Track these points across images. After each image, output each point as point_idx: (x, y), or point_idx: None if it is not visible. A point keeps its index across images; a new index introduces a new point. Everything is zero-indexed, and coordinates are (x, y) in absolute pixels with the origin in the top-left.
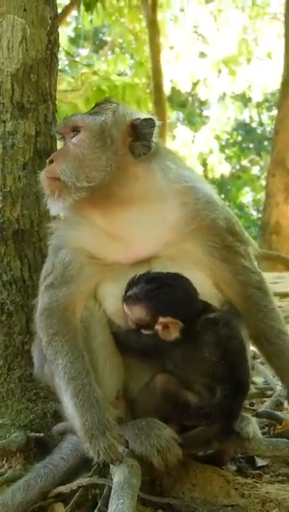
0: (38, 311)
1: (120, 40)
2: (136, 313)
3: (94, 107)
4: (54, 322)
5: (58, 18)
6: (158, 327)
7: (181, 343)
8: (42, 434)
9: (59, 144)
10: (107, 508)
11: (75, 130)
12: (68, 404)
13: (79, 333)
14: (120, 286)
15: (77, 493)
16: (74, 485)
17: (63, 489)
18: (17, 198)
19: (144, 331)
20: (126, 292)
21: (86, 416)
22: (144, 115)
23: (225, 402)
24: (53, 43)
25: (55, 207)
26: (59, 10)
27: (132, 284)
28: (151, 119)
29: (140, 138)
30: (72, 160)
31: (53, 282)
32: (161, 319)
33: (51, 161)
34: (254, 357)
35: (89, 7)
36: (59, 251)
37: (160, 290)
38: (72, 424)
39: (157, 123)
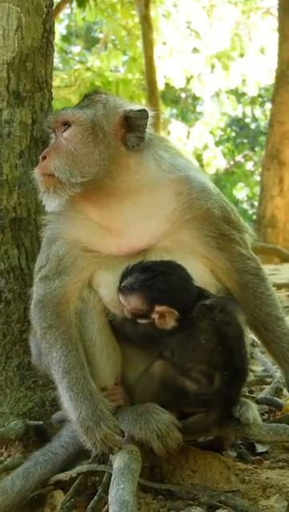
0: (32, 302)
1: (113, 37)
2: (132, 303)
3: (83, 100)
4: (48, 315)
5: (53, 19)
6: (155, 316)
7: (178, 330)
8: (41, 422)
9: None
10: (107, 494)
11: (66, 124)
12: (63, 397)
13: (73, 325)
14: (115, 275)
15: (76, 481)
16: (73, 472)
17: (62, 476)
18: (13, 187)
19: (140, 321)
20: (121, 282)
21: (80, 408)
22: (136, 107)
23: (223, 389)
24: (49, 31)
25: (51, 203)
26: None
27: (126, 274)
28: (144, 110)
29: (132, 129)
30: (65, 156)
31: (47, 274)
32: (158, 308)
33: (44, 157)
34: (253, 345)
35: (81, 4)
36: (53, 243)
37: (155, 278)
38: (68, 416)
39: (150, 113)
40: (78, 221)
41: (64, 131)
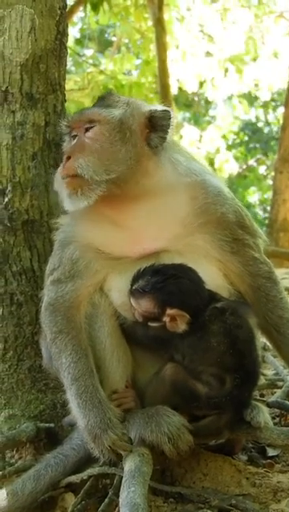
0: (43, 305)
1: (126, 40)
2: (144, 306)
3: (101, 100)
4: (59, 319)
5: (67, 21)
6: (166, 319)
7: (189, 333)
8: (52, 425)
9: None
10: (118, 497)
11: (91, 124)
12: (72, 404)
13: (84, 330)
14: (127, 279)
15: (87, 483)
16: (84, 474)
17: (73, 478)
18: (26, 189)
19: (151, 324)
20: (132, 285)
21: (88, 416)
22: (160, 107)
23: (235, 391)
24: (62, 33)
25: (78, 204)
26: None
27: (137, 277)
28: (168, 110)
29: (156, 130)
30: (91, 154)
31: (60, 278)
32: (169, 311)
33: (68, 158)
34: (265, 348)
35: (95, 7)
36: (66, 246)
37: (166, 281)
38: (77, 423)
39: (173, 115)
40: (92, 222)
41: (87, 130)
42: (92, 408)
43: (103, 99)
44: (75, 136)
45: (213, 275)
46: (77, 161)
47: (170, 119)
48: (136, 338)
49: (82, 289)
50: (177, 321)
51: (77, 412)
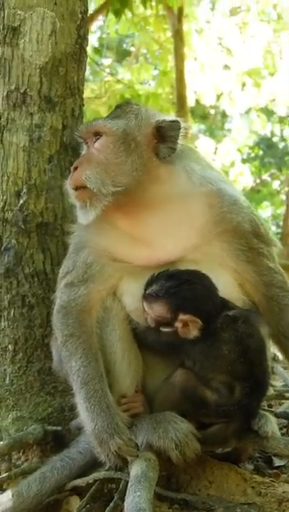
0: (55, 308)
1: (145, 50)
2: (157, 310)
3: (115, 110)
4: (70, 322)
5: (87, 26)
6: (178, 325)
7: (200, 340)
8: (59, 428)
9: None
10: (123, 502)
11: (97, 135)
12: (80, 408)
13: (95, 334)
14: (141, 284)
15: (93, 487)
16: (90, 478)
17: (79, 482)
18: (41, 191)
19: (163, 329)
20: (145, 290)
21: (96, 420)
22: (169, 117)
23: (244, 400)
24: (82, 38)
25: (88, 217)
26: None
27: (151, 282)
28: (177, 120)
29: (165, 140)
30: (97, 166)
31: (73, 281)
32: (182, 316)
33: (76, 168)
34: (274, 359)
35: (118, 13)
36: (81, 250)
37: (180, 286)
38: (84, 427)
39: (182, 125)
40: (107, 230)
41: (95, 141)
42: (100, 412)
43: (117, 109)
44: (87, 146)
45: (228, 284)
46: (84, 173)
47: (179, 129)
48: (148, 343)
49: (94, 293)
50: (189, 327)
51: (85, 416)
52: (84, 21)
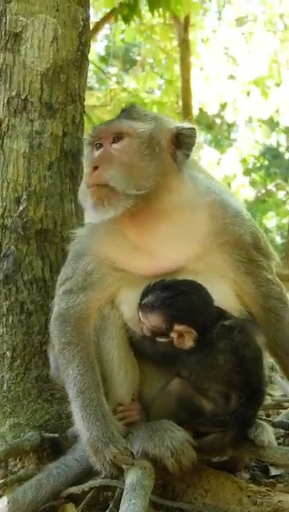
0: (53, 315)
1: (151, 60)
2: (152, 320)
3: (125, 113)
4: (68, 330)
5: (89, 33)
6: (173, 335)
7: (196, 350)
8: (56, 435)
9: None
10: (118, 510)
11: (119, 136)
12: (76, 417)
13: (92, 342)
14: (139, 294)
15: (88, 495)
16: (86, 486)
17: (74, 489)
18: (41, 198)
19: (159, 339)
20: (141, 300)
21: (91, 429)
22: (187, 125)
23: (240, 410)
24: (84, 45)
25: (103, 215)
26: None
27: (147, 292)
28: (194, 128)
29: (181, 146)
30: (121, 167)
31: (72, 288)
32: (177, 327)
33: (96, 168)
34: (272, 369)
35: (127, 19)
36: (81, 258)
37: (176, 297)
38: (80, 436)
39: (198, 133)
40: (109, 237)
41: (114, 142)
42: (96, 421)
43: (129, 112)
44: (99, 146)
45: (227, 295)
46: (108, 172)
47: (195, 137)
48: (144, 352)
49: (93, 301)
50: (184, 337)
51: (80, 425)
52: (86, 28)
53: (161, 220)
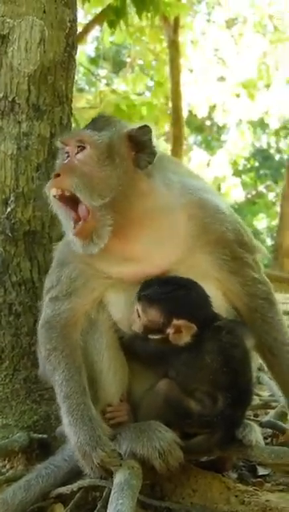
0: (40, 322)
1: (141, 62)
2: (150, 314)
3: (94, 123)
4: (54, 336)
5: (78, 36)
6: (170, 331)
7: (184, 350)
8: (45, 436)
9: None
10: (106, 509)
11: (81, 145)
12: (64, 422)
13: (79, 347)
14: (126, 295)
15: (77, 495)
16: (74, 486)
17: (63, 490)
18: (29, 199)
19: (152, 336)
20: (140, 293)
21: (78, 434)
22: (136, 125)
23: (227, 411)
24: (71, 46)
25: (95, 249)
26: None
27: (147, 286)
28: (145, 125)
29: (141, 148)
30: (81, 177)
31: (57, 295)
32: (175, 322)
33: (58, 175)
34: (260, 369)
35: (113, 24)
36: (66, 266)
37: (176, 292)
38: (68, 441)
39: (152, 129)
40: None
41: (78, 152)
42: (82, 426)
43: (95, 122)
44: (67, 156)
45: (213, 296)
46: (70, 180)
47: (150, 133)
48: (134, 352)
49: (78, 307)
50: (181, 333)
51: (68, 430)
52: (73, 29)
53: (138, 227)
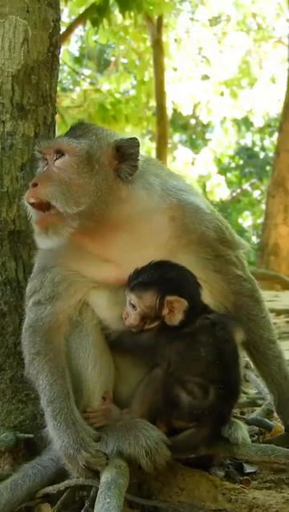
0: (23, 327)
1: (125, 60)
2: (146, 299)
3: (73, 130)
4: (38, 340)
5: (62, 36)
6: (165, 311)
7: (179, 340)
8: (31, 435)
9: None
10: (93, 508)
11: (59, 153)
12: (48, 426)
13: (62, 351)
14: (110, 294)
15: (64, 494)
16: (61, 485)
17: (50, 489)
18: (14, 199)
19: (148, 326)
20: (131, 282)
21: (63, 437)
22: (126, 136)
23: (217, 403)
24: (55, 46)
25: (48, 244)
26: (64, 29)
27: (138, 274)
28: (134, 138)
29: (125, 159)
30: (59, 185)
31: (40, 299)
32: (168, 298)
33: (35, 184)
34: (247, 367)
35: (95, 23)
36: (48, 271)
37: (170, 272)
38: (54, 444)
39: (140, 142)
40: (72, 251)
41: (56, 159)
42: (66, 429)
43: (74, 129)
44: (46, 163)
45: None
46: (47, 189)
47: (138, 146)
48: (123, 348)
49: (61, 311)
50: (174, 312)
51: (53, 434)
52: (57, 29)
53: (119, 231)
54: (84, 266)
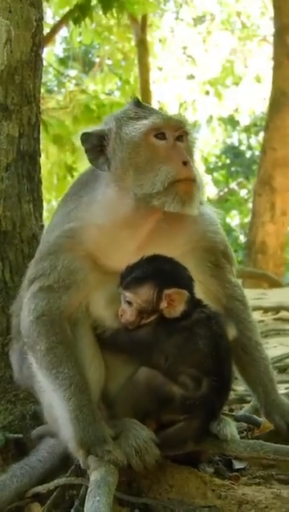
0: (30, 314)
1: (109, 61)
2: (142, 294)
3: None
4: (58, 330)
5: (46, 37)
6: (163, 305)
7: (177, 334)
8: (20, 435)
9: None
10: (83, 507)
11: (184, 132)
12: (67, 417)
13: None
14: (107, 292)
15: (54, 493)
16: (51, 485)
17: (40, 489)
18: None
19: (145, 321)
20: (125, 279)
21: (87, 429)
22: None
23: (209, 395)
24: (38, 45)
25: (196, 209)
26: (48, 30)
27: (131, 270)
28: None
29: None
30: (193, 161)
31: (51, 285)
32: (166, 291)
33: (186, 162)
34: None
35: (78, 21)
36: (62, 254)
37: (162, 266)
38: (67, 437)
39: None
40: (92, 230)
41: (178, 139)
42: (93, 422)
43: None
44: (161, 137)
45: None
46: (193, 165)
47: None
48: (117, 348)
49: (75, 301)
50: (174, 304)
51: (73, 425)
52: (39, 29)
53: (156, 223)
54: (101, 247)
